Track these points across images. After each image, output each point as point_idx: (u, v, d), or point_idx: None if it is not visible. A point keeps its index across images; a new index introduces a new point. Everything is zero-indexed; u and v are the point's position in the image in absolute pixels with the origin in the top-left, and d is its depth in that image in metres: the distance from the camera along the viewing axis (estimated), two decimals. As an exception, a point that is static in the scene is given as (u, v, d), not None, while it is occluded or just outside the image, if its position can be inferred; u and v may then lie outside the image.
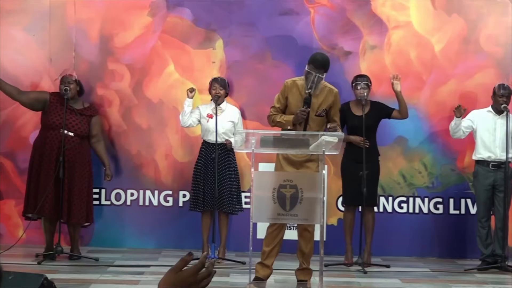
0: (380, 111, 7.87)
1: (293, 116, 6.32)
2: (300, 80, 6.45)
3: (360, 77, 7.87)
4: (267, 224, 6.48)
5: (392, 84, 7.83)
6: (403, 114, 7.87)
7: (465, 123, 7.88)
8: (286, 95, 6.43)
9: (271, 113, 6.48)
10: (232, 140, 7.64)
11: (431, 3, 8.54)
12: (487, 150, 7.79)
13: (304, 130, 6.30)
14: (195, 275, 1.80)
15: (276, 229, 6.37)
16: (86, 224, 7.91)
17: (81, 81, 8.03)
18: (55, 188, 7.50)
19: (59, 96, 7.78)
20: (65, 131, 7.57)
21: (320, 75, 6.31)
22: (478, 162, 7.85)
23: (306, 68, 6.37)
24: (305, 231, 6.42)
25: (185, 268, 1.82)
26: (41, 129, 7.79)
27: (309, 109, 6.29)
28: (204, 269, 1.84)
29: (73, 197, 7.59)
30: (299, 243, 6.49)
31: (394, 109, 7.87)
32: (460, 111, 7.75)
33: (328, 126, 6.33)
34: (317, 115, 6.37)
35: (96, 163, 7.97)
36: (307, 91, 6.33)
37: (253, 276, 6.32)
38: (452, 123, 7.85)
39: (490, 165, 7.74)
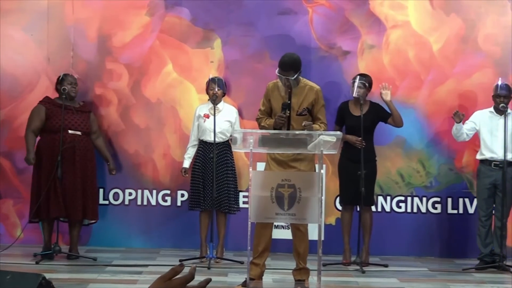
0: (378, 113, 7.86)
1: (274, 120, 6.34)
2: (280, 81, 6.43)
3: (360, 75, 7.85)
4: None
5: (381, 94, 7.83)
6: (396, 123, 7.86)
7: (468, 125, 7.88)
8: (269, 98, 6.44)
9: (258, 116, 6.51)
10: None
11: (429, 2, 8.55)
12: (489, 151, 7.79)
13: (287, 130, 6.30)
14: (183, 286, 1.81)
15: (264, 227, 6.36)
16: (92, 222, 7.95)
17: (79, 81, 8.05)
18: (60, 188, 7.47)
19: (52, 100, 7.77)
20: (72, 131, 7.60)
21: (291, 77, 6.28)
22: (481, 161, 7.86)
23: (276, 72, 6.35)
24: (297, 230, 6.42)
25: (174, 277, 1.82)
26: (44, 134, 7.69)
27: (288, 113, 6.27)
28: (195, 281, 1.83)
29: (88, 195, 7.66)
30: (294, 243, 6.49)
31: (391, 115, 7.86)
32: (459, 116, 7.74)
33: (304, 123, 6.29)
34: (298, 114, 6.36)
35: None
36: (287, 93, 6.32)
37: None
38: (454, 128, 7.85)
39: (492, 165, 7.75)
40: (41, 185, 7.57)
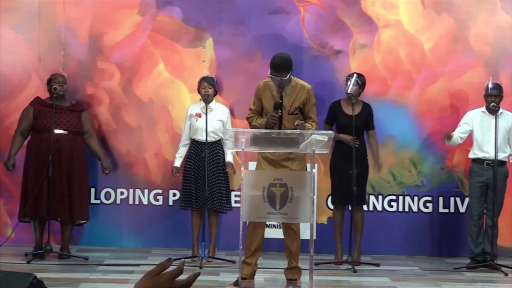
0: (368, 116, 7.86)
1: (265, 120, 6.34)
2: (271, 81, 6.42)
3: (355, 73, 7.86)
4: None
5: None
6: (371, 149, 7.90)
7: (462, 128, 7.89)
8: (260, 97, 6.43)
9: (248, 116, 6.50)
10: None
11: (421, 2, 8.56)
12: (481, 150, 7.80)
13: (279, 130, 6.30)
14: (171, 281, 1.80)
15: (256, 226, 6.36)
16: (83, 222, 7.93)
17: (71, 80, 8.03)
18: (50, 188, 7.47)
19: (41, 101, 7.78)
20: (59, 130, 7.58)
21: (283, 78, 6.28)
22: (473, 160, 7.88)
23: (268, 73, 6.34)
24: (289, 229, 6.42)
25: (162, 272, 1.81)
26: (33, 133, 7.74)
27: (279, 113, 6.27)
28: (184, 277, 1.83)
29: (73, 195, 7.62)
30: (285, 242, 6.48)
31: (373, 130, 7.87)
32: (450, 137, 7.79)
33: (296, 123, 6.29)
34: (290, 113, 6.36)
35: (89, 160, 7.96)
36: (279, 92, 6.32)
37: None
38: (446, 142, 7.90)
39: (485, 164, 7.76)
40: (28, 185, 7.62)
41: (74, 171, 7.66)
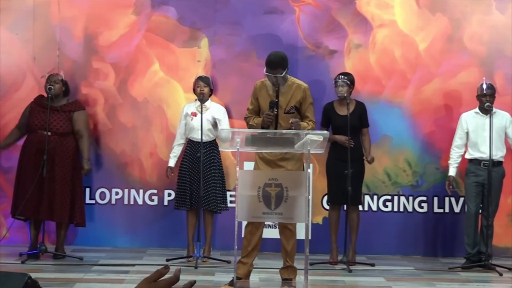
0: (361, 114, 7.87)
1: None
2: (268, 80, 6.43)
3: (341, 74, 7.86)
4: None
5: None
6: (364, 141, 7.90)
7: (460, 133, 7.89)
8: (257, 97, 6.44)
9: (246, 115, 6.51)
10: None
11: (416, 2, 8.57)
12: (477, 151, 7.81)
13: (275, 129, 6.30)
14: (168, 287, 1.81)
15: (255, 226, 6.36)
16: (75, 223, 7.84)
17: (66, 80, 8.00)
18: (36, 188, 7.47)
19: (40, 99, 7.78)
20: (42, 131, 7.55)
21: (279, 75, 6.29)
22: (470, 160, 7.89)
23: (264, 71, 6.35)
24: (285, 229, 6.42)
25: (159, 279, 1.82)
26: (27, 133, 7.77)
27: (275, 111, 6.28)
28: (181, 282, 1.84)
29: (54, 196, 7.55)
30: (281, 241, 6.49)
31: (367, 128, 7.87)
32: (453, 180, 7.93)
33: (291, 121, 6.30)
34: (286, 112, 6.36)
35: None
36: (274, 94, 6.33)
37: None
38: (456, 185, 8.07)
39: (482, 164, 7.77)
40: (16, 184, 7.69)
41: (56, 173, 7.56)
